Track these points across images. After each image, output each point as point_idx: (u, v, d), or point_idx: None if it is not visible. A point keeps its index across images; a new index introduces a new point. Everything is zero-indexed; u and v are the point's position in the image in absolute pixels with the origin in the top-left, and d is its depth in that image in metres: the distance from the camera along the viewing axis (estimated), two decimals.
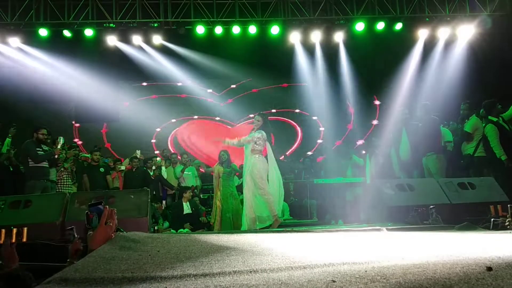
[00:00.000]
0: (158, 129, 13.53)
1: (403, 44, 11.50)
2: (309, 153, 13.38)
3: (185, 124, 13.82)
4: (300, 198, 9.83)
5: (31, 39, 10.60)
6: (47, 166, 7.52)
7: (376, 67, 12.02)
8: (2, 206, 5.25)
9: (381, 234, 3.92)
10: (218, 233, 5.38)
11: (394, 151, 8.32)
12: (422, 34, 11.35)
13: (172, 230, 8.20)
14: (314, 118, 13.67)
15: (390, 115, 9.10)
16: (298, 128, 14.10)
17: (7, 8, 10.19)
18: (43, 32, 10.32)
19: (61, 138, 7.71)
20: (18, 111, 10.82)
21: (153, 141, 13.63)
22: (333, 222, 8.46)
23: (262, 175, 6.61)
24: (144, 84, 13.44)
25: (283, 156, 11.79)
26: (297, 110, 14.09)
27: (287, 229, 5.41)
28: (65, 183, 8.20)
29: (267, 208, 6.51)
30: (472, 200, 5.83)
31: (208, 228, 8.49)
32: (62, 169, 8.13)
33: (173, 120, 13.67)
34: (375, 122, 13.40)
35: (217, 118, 13.94)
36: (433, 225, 4.85)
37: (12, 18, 10.20)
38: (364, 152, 10.09)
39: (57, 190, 7.93)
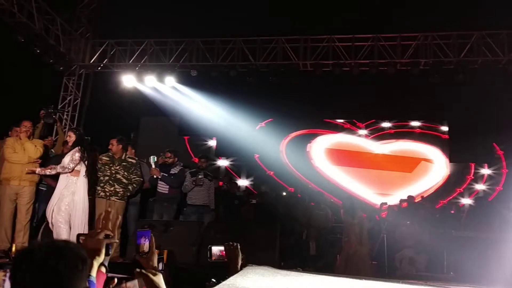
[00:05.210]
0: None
1: None
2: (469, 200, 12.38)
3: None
4: (435, 249, 9.12)
5: (184, 78, 11.78)
6: None
7: None
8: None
9: None
10: (344, 276, 5.26)
11: None
12: None
13: (298, 268, 8.21)
14: None
15: None
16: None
17: (166, 50, 11.58)
18: (194, 72, 11.43)
19: (153, 157, 7.14)
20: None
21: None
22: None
23: None
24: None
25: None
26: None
27: (420, 281, 5.11)
28: None
29: None
30: None
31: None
32: None
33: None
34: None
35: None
36: None
37: (170, 59, 11.53)
38: None
39: None
